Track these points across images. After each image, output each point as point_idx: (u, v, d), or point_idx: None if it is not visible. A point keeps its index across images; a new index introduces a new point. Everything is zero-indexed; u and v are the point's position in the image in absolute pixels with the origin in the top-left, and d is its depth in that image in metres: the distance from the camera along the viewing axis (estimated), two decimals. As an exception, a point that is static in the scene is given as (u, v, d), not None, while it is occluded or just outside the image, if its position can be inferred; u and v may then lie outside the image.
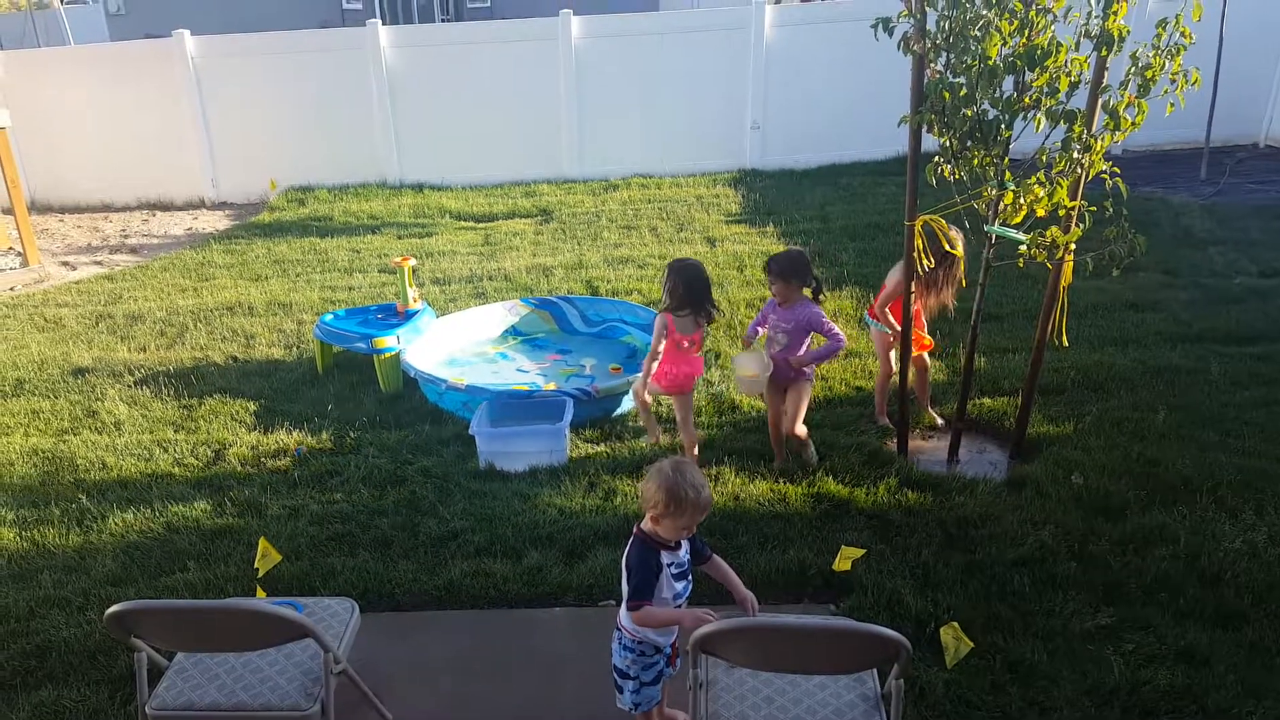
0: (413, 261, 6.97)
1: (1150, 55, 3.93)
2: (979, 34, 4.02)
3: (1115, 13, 3.84)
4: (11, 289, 9.91)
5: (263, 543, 4.00)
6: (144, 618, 2.86)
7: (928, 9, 4.22)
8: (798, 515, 4.65)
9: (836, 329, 4.88)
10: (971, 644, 3.41)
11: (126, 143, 13.38)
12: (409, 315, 6.80)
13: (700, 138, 13.26)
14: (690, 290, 4.82)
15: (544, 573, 4.30)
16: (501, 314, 7.50)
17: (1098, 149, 4.08)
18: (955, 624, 3.46)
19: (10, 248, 11.10)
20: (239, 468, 5.49)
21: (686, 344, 4.93)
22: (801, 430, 5.03)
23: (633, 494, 4.89)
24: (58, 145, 13.45)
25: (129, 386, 6.82)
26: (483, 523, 4.73)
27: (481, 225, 11.24)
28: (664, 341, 4.89)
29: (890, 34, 4.30)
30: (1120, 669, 3.52)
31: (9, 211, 10.62)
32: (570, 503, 4.88)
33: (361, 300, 8.36)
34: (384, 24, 12.93)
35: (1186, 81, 3.91)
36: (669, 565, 2.90)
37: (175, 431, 6.03)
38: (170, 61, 12.84)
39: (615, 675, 3.11)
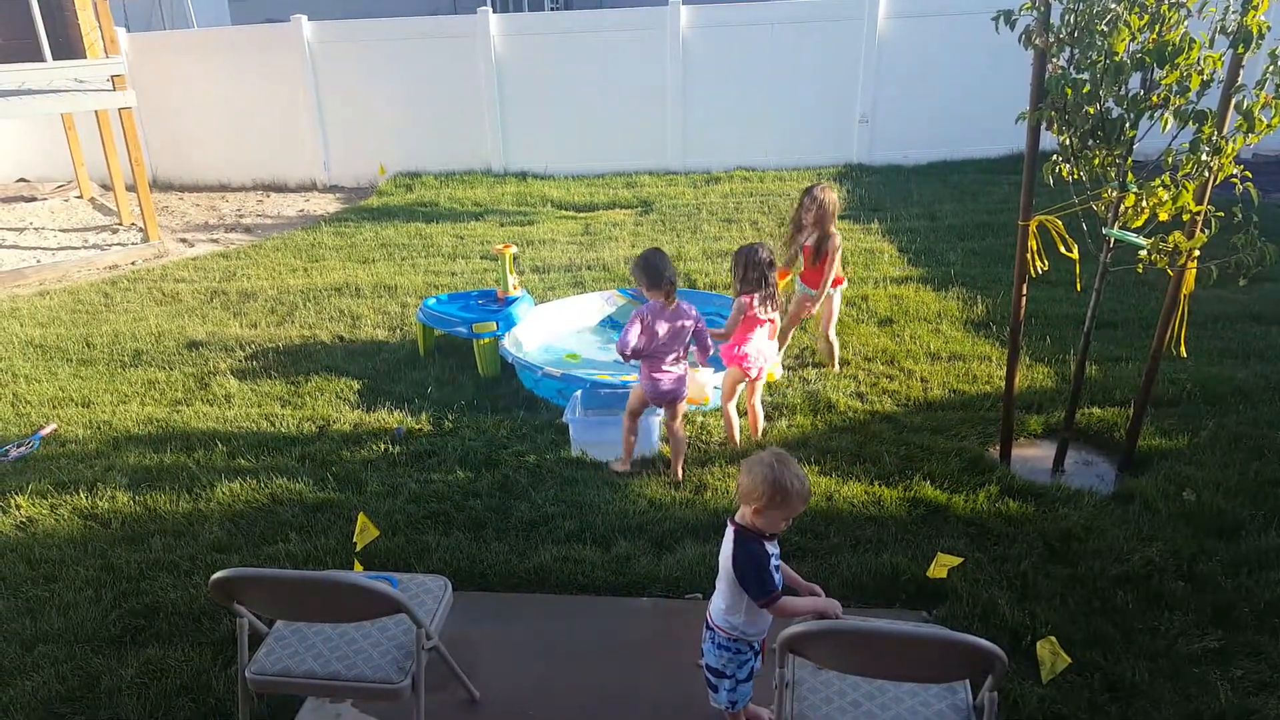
0: (514, 249, 7.05)
1: (1292, 53, 3.71)
2: (1106, 29, 3.86)
3: (1255, 7, 3.63)
4: (133, 263, 10.41)
5: (361, 518, 4.12)
6: (246, 585, 2.96)
7: (1052, 2, 4.07)
8: (892, 519, 4.56)
9: (627, 336, 4.78)
10: (1069, 660, 3.31)
11: (244, 125, 13.88)
12: (508, 302, 6.89)
13: (806, 130, 13.08)
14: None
15: (632, 562, 4.31)
16: (598, 304, 7.55)
17: (1228, 152, 3.88)
18: (1053, 638, 3.37)
19: (133, 223, 11.66)
20: (341, 444, 5.65)
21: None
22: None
23: (723, 488, 4.87)
24: (180, 126, 14.03)
25: (240, 361, 7.09)
26: (573, 509, 4.77)
27: (582, 215, 11.32)
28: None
29: (1011, 27, 4.18)
30: (1227, 695, 3.36)
31: (132, 188, 11.14)
32: (660, 494, 4.88)
33: (463, 285, 8.52)
34: (494, 12, 13.10)
35: (1331, 82, 3.68)
36: (771, 556, 2.87)
37: (282, 406, 6.25)
38: (288, 46, 13.26)
39: (709, 675, 3.08)
